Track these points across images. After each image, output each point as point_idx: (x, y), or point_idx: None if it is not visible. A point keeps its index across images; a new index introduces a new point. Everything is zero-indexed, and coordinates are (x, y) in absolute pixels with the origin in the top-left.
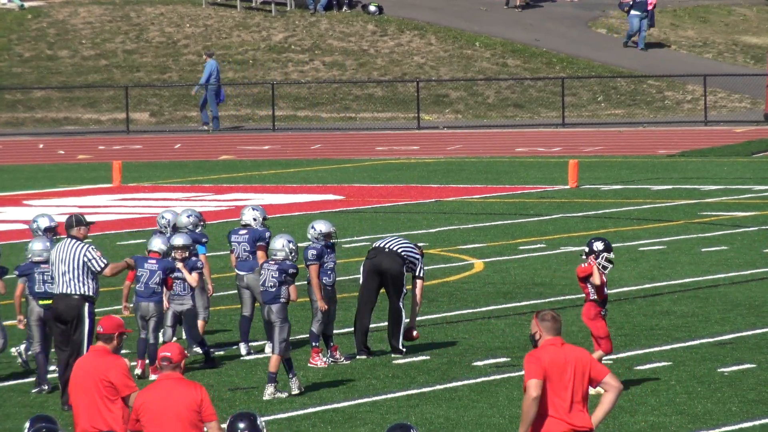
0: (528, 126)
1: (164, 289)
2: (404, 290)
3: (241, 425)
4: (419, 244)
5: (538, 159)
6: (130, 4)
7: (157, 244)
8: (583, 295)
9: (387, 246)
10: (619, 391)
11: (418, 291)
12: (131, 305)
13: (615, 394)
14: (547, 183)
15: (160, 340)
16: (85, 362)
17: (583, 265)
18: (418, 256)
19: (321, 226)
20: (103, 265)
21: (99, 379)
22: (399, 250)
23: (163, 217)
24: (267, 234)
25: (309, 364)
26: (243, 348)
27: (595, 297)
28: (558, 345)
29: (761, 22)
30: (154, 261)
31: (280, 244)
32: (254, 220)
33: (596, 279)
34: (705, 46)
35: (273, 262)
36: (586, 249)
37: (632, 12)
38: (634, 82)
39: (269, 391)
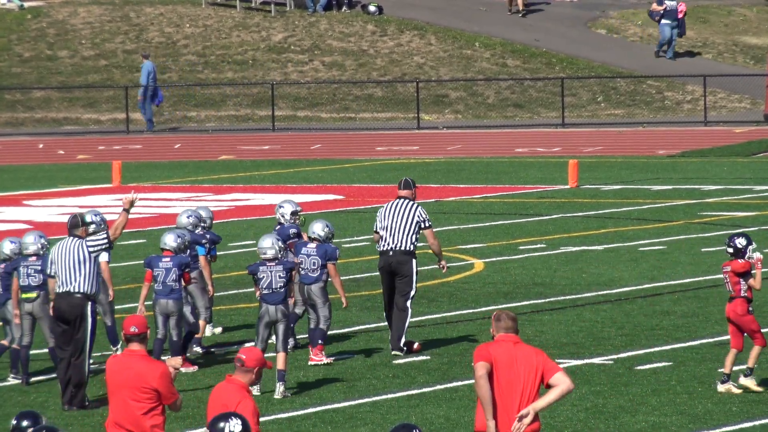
0: (528, 126)
1: (182, 285)
2: (413, 290)
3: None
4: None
5: (538, 159)
6: (129, 5)
7: (170, 241)
8: (583, 296)
9: (392, 248)
10: (567, 387)
11: (431, 239)
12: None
13: (563, 388)
14: (547, 183)
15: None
16: (125, 363)
17: (739, 261)
18: (422, 216)
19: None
20: (104, 239)
21: (139, 384)
22: (406, 247)
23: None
24: (290, 231)
25: (311, 362)
26: (290, 341)
27: (746, 294)
28: (510, 342)
29: (761, 23)
30: (168, 259)
31: (269, 242)
32: (282, 217)
33: (757, 282)
34: (705, 47)
35: (275, 263)
36: (730, 249)
37: (663, 21)
38: (634, 82)
39: (281, 390)
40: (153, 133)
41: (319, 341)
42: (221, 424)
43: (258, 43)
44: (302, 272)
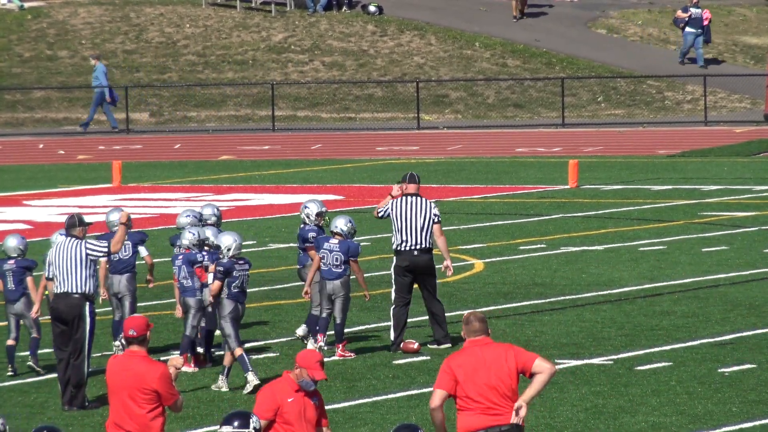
0: (528, 126)
1: (194, 281)
2: (437, 284)
3: (236, 422)
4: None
5: (538, 159)
6: (129, 5)
7: (187, 239)
8: (583, 296)
9: (415, 248)
10: (550, 372)
11: (439, 233)
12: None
13: (547, 375)
14: (547, 183)
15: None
16: (125, 364)
17: None
18: (435, 212)
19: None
20: (104, 248)
21: (139, 386)
22: (428, 244)
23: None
24: (310, 234)
25: (338, 357)
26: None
27: None
28: (477, 346)
29: (761, 23)
30: (181, 256)
31: (231, 239)
32: (307, 217)
33: None
34: (705, 47)
35: (242, 261)
36: None
37: (687, 29)
38: (634, 82)
39: (221, 382)
40: (154, 133)
41: (342, 337)
42: (237, 422)
43: (258, 43)
44: (325, 268)
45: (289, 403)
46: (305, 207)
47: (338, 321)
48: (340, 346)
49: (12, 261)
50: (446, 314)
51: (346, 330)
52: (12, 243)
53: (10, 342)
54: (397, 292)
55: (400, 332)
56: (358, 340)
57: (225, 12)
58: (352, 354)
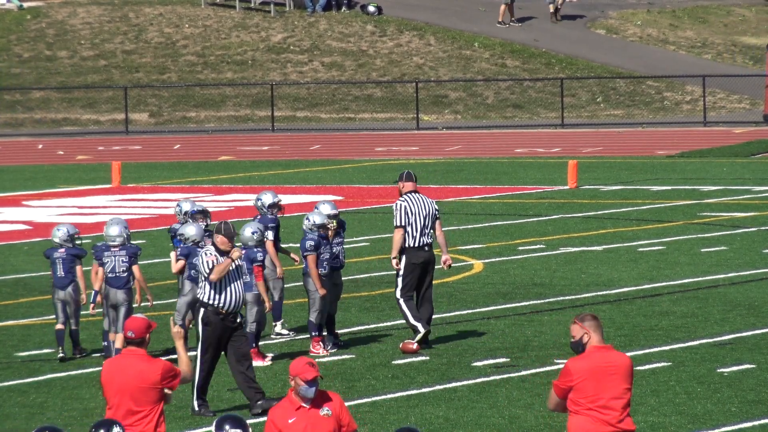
0: (527, 126)
1: (252, 277)
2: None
3: (227, 426)
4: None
5: (538, 159)
6: (129, 5)
7: (247, 236)
8: (582, 296)
9: (426, 243)
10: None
11: (440, 229)
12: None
13: None
14: (546, 183)
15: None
16: (125, 364)
17: None
18: (437, 207)
19: (315, 217)
20: (203, 272)
21: (141, 384)
22: (432, 240)
23: (178, 206)
24: (308, 243)
25: (310, 353)
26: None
27: None
28: (602, 350)
29: (760, 23)
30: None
31: (117, 230)
32: (306, 220)
33: None
34: (704, 47)
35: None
36: None
37: None
38: (633, 82)
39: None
40: (153, 134)
41: (313, 333)
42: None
43: (257, 44)
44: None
45: (289, 425)
46: (307, 219)
47: (310, 317)
48: (311, 341)
49: (63, 249)
50: (446, 314)
51: (345, 330)
52: (62, 231)
53: (59, 326)
54: (407, 287)
55: (420, 320)
56: (358, 340)
57: (224, 12)
58: (326, 351)
